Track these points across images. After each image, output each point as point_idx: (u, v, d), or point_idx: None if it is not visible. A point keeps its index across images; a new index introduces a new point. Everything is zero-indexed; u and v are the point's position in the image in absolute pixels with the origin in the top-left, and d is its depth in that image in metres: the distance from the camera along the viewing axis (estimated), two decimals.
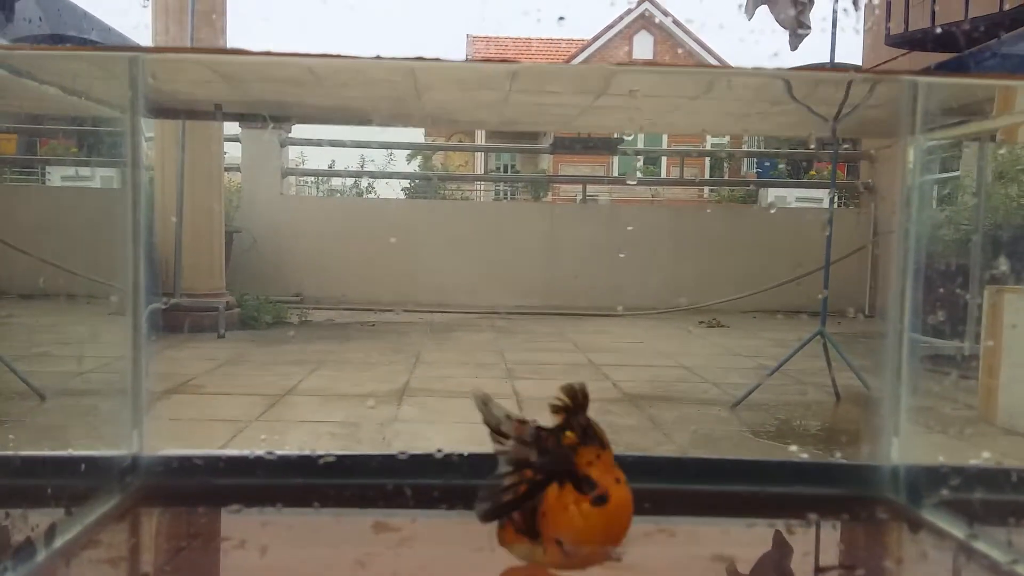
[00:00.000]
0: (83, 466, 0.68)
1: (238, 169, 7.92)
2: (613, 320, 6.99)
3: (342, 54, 0.78)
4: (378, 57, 0.72)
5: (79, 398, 3.12)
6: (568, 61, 18.74)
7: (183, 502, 0.70)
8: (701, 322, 6.75)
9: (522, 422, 0.70)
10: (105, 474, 0.66)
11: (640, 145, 14.17)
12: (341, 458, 0.71)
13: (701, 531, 0.74)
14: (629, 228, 7.97)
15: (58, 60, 0.74)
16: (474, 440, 0.74)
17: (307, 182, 9.54)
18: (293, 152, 8.45)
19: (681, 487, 0.78)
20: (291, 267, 7.53)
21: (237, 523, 0.69)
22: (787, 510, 0.75)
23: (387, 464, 0.73)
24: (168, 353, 4.68)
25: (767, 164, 13.78)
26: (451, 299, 7.51)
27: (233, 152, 7.94)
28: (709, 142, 12.84)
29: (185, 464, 0.71)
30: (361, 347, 5.30)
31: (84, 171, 7.65)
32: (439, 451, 0.70)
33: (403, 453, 0.71)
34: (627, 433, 2.94)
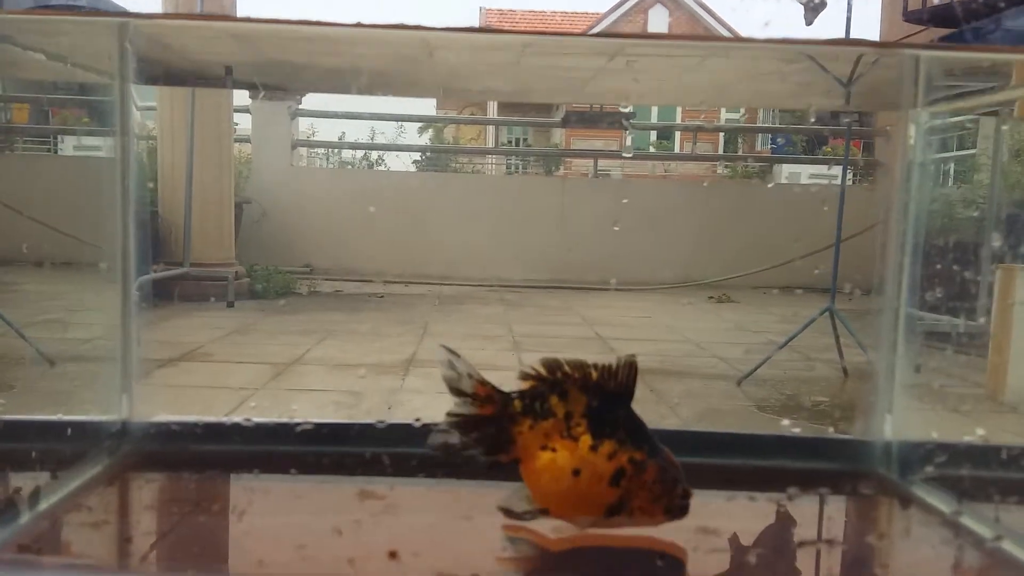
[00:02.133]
0: (70, 431, 0.68)
1: (248, 140, 7.90)
2: (622, 294, 6.98)
3: (348, 23, 0.76)
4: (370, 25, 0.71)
5: (86, 364, 3.15)
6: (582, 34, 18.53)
7: (172, 467, 0.70)
8: (711, 297, 6.72)
9: (483, 383, 0.71)
10: (93, 439, 0.66)
11: (654, 119, 14.03)
12: (320, 425, 0.71)
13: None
14: (624, 201, 7.92)
15: (47, 27, 0.73)
16: None
17: (318, 154, 9.52)
18: (304, 124, 8.42)
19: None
20: (301, 238, 7.53)
21: (225, 488, 0.69)
22: (776, 483, 0.75)
23: (379, 433, 0.73)
24: (177, 321, 4.71)
25: (781, 140, 13.60)
26: (461, 272, 7.51)
27: (243, 124, 7.93)
28: (723, 116, 12.70)
29: (176, 430, 0.70)
30: (369, 318, 5.31)
31: (96, 141, 7.65)
32: (417, 420, 0.70)
33: (382, 422, 0.71)
34: (632, 406, 2.94)
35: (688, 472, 0.77)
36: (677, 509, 0.69)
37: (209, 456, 0.69)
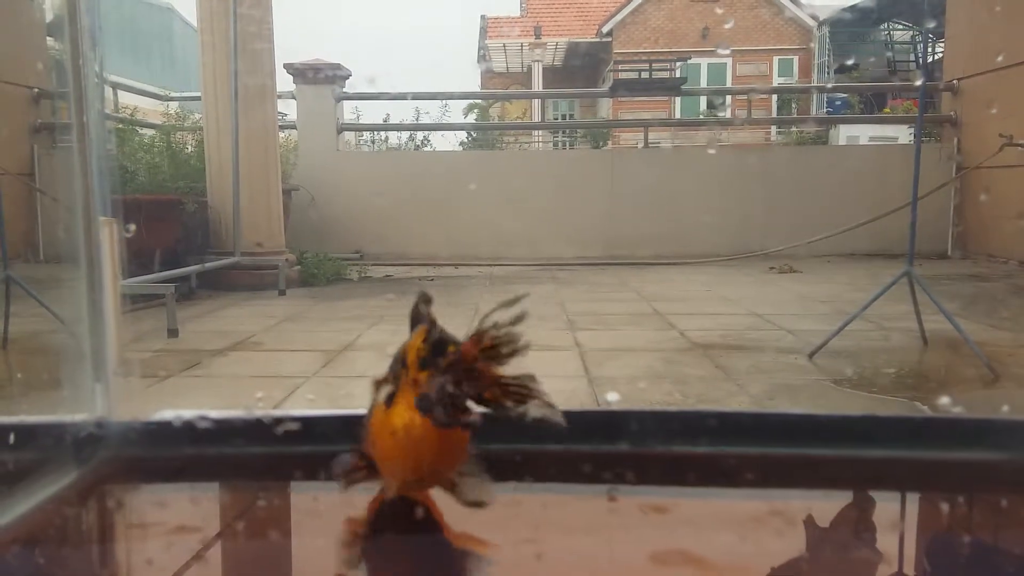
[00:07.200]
0: (13, 437, 0.53)
1: (294, 127, 7.87)
2: (678, 268, 6.76)
3: None
4: None
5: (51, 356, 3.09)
6: None
7: (159, 477, 0.57)
8: (772, 268, 6.47)
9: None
10: (57, 446, 0.53)
11: (704, 84, 13.63)
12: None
13: (776, 510, 0.56)
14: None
15: None
16: None
17: (364, 138, 9.45)
18: (348, 109, 8.33)
19: (754, 450, 0.60)
20: (350, 224, 7.49)
21: (223, 502, 0.56)
22: (895, 482, 0.56)
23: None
24: (228, 311, 4.67)
25: (838, 102, 13.10)
26: (511, 251, 7.38)
27: (288, 110, 7.89)
28: (776, 79, 12.27)
29: (166, 431, 0.57)
30: None
31: None
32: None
33: None
34: (697, 384, 2.77)
35: (771, 466, 0.60)
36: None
37: (211, 461, 0.55)
